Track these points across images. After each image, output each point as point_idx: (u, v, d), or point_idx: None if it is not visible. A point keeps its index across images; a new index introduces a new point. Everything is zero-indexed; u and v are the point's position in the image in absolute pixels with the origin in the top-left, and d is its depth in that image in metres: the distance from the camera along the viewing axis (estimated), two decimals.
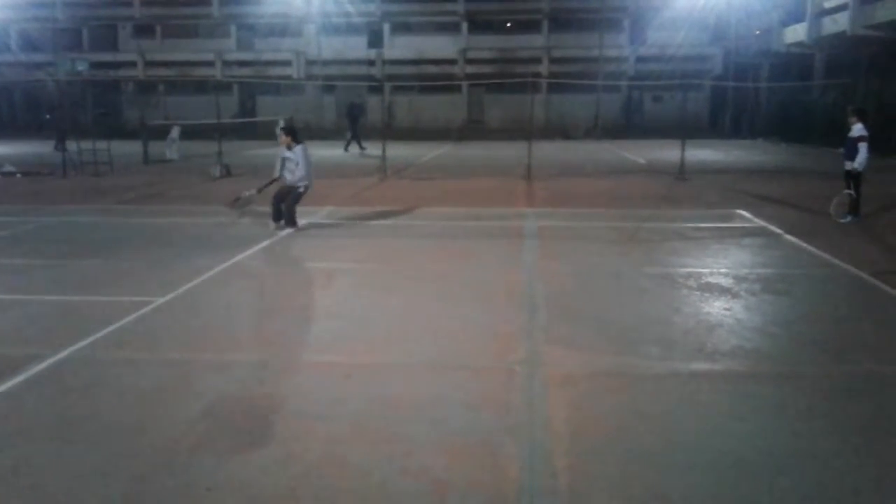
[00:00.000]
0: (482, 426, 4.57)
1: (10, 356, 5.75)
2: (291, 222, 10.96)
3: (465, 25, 45.06)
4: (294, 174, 10.93)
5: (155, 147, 23.70)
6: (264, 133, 33.98)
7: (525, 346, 6.03)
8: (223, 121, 22.72)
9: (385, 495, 3.78)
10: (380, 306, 7.13)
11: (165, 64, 45.08)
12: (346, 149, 26.84)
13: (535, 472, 4.00)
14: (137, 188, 16.54)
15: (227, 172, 18.74)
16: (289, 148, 10.97)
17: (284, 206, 10.91)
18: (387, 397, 5.01)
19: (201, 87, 40.34)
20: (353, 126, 27.64)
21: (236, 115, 41.08)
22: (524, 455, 4.20)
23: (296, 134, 11.21)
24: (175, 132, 24.71)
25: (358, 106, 29.13)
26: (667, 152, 23.97)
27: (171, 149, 24.21)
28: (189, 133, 25.98)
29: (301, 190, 11.00)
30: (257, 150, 28.10)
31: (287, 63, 44.86)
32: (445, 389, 5.14)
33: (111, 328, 6.42)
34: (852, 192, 11.55)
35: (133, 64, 45.45)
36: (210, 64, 44.26)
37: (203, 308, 7.12)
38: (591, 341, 6.13)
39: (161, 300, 7.28)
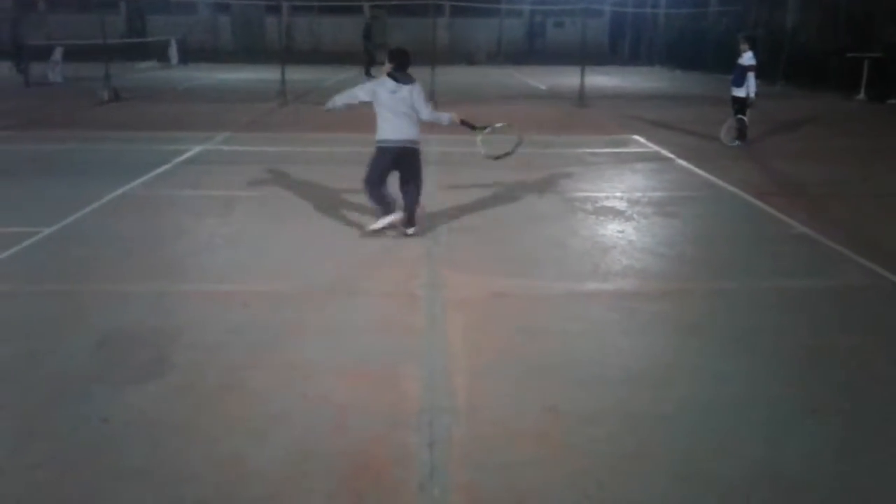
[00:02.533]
0: (382, 350, 4.64)
1: None
2: (411, 215, 7.02)
3: None
4: (405, 123, 6.75)
5: (38, 69, 22.22)
6: (156, 54, 32.31)
7: (425, 270, 6.11)
8: (110, 41, 21.42)
9: (285, 421, 3.81)
10: (277, 234, 7.04)
11: None
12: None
13: (434, 392, 4.11)
14: (19, 113, 15.54)
15: (116, 96, 17.80)
16: (394, 79, 6.71)
17: (403, 186, 6.96)
18: (285, 325, 5.00)
19: (86, 4, 37.76)
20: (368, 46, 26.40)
21: (124, 36, 38.78)
22: (424, 376, 4.30)
23: (405, 61, 6.85)
24: (58, 53, 23.14)
25: (366, 26, 27.51)
26: (568, 78, 24.14)
27: (55, 71, 22.73)
28: (74, 55, 24.41)
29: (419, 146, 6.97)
30: (147, 73, 26.80)
31: None
32: (346, 315, 5.17)
33: None
34: (743, 117, 11.99)
35: None
36: None
37: (94, 238, 6.86)
38: (490, 265, 6.25)
39: (48, 230, 6.96)
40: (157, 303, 5.35)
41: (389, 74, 6.75)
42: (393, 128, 6.73)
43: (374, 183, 6.82)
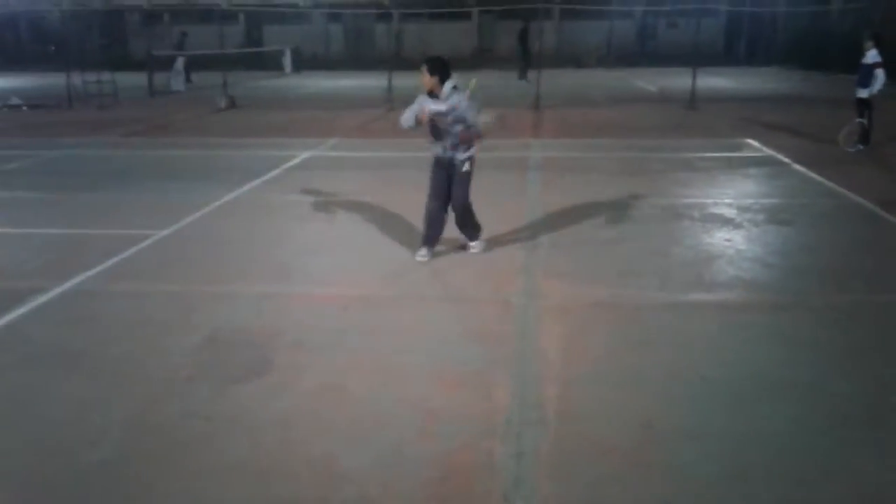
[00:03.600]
0: (477, 357, 4.62)
1: (13, 289, 5.83)
2: (473, 227, 6.72)
3: None
4: (449, 138, 6.36)
5: (162, 79, 23.49)
6: (271, 63, 33.57)
7: (523, 278, 6.06)
8: (228, 51, 22.41)
9: (378, 424, 3.85)
10: (379, 239, 7.14)
11: None
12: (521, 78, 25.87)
13: (524, 402, 4.06)
14: (143, 120, 16.45)
15: (233, 103, 18.59)
16: (431, 95, 6.31)
17: (454, 204, 6.53)
18: (384, 329, 5.06)
19: (207, 16, 39.62)
20: (523, 50, 26.53)
21: (242, 45, 40.42)
22: (515, 385, 4.26)
23: (447, 71, 6.39)
24: (180, 63, 24.40)
25: (523, 29, 27.14)
26: (679, 80, 23.49)
27: (178, 80, 23.96)
28: (196, 64, 25.66)
29: (468, 167, 6.46)
30: (261, 81, 27.83)
31: None
32: (443, 321, 5.20)
33: (113, 261, 6.49)
34: (864, 120, 11.34)
35: None
36: None
37: (204, 240, 7.17)
38: (589, 273, 6.14)
39: (164, 233, 7.32)
40: (260, 304, 5.53)
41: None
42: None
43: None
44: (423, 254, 6.50)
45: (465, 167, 6.41)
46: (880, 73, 11.08)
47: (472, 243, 6.71)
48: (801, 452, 3.56)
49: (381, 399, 4.11)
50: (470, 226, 6.66)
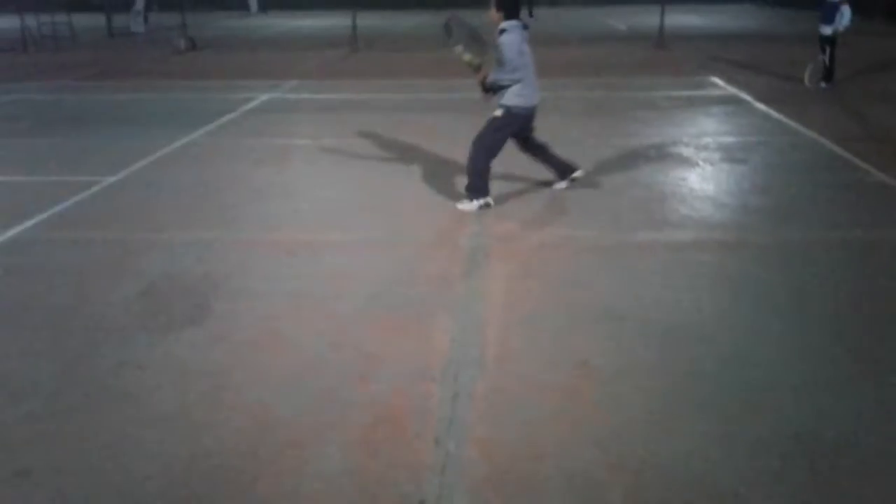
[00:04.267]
0: (419, 300, 4.59)
1: None
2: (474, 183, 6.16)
3: None
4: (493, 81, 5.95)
5: (121, 20, 22.82)
6: (236, 3, 32.70)
7: (475, 219, 6.00)
8: None
9: (314, 370, 3.83)
10: (332, 184, 7.04)
11: None
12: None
13: (464, 344, 4.05)
14: (99, 63, 16.00)
15: (193, 45, 18.12)
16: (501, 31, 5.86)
17: (473, 148, 6.10)
18: (328, 274, 5.01)
19: None
20: None
21: None
22: (456, 328, 4.24)
23: (515, 7, 5.93)
24: (140, 3, 23.68)
25: None
26: (650, 18, 23.18)
27: (137, 21, 23.29)
28: (158, 5, 24.94)
29: (501, 113, 5.99)
30: (225, 22, 27.14)
31: None
32: (388, 265, 5.15)
33: (57, 209, 6.35)
34: (825, 57, 11.26)
35: None
36: None
37: (153, 187, 7.02)
38: (540, 214, 6.11)
39: (112, 179, 7.16)
40: (205, 251, 5.44)
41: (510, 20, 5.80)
42: (535, 87, 5.95)
43: (488, 157, 6.04)
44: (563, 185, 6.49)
45: (497, 113, 6.02)
46: (846, 10, 10.96)
47: (471, 201, 6.15)
48: (729, 389, 3.59)
49: (318, 345, 4.07)
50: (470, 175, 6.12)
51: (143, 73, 14.62)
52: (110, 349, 4.07)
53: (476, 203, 6.12)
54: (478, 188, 6.11)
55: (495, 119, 6.00)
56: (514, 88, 5.85)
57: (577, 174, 6.55)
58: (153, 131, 9.13)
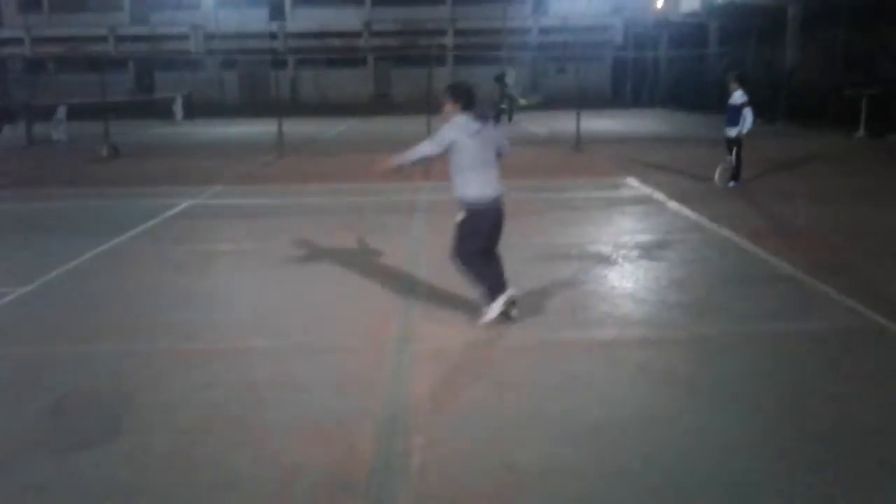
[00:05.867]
0: (344, 407, 4.48)
1: None
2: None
3: None
4: (494, 173, 5.75)
5: (43, 129, 22.55)
6: (162, 111, 32.77)
7: (398, 323, 5.97)
8: (112, 99, 21.76)
9: (231, 488, 3.65)
10: (255, 288, 6.95)
11: (54, 39, 42.69)
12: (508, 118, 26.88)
13: (389, 452, 3.94)
14: (15, 172, 15.67)
15: (116, 152, 17.97)
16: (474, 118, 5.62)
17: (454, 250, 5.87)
18: (249, 383, 4.85)
19: (95, 64, 38.47)
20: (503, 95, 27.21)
21: (134, 93, 39.47)
22: (382, 435, 4.13)
23: (471, 100, 5.64)
24: (62, 112, 23.52)
25: (500, 76, 27.87)
26: (569, 123, 24.21)
27: (59, 129, 23.05)
28: (81, 113, 24.73)
29: (463, 216, 5.80)
30: (151, 129, 27.11)
31: (184, 37, 43.18)
32: (313, 372, 5.03)
33: None
34: (732, 158, 11.90)
35: (19, 41, 42.94)
36: (103, 39, 42.27)
37: (68, 297, 6.78)
38: (467, 314, 6.09)
39: (23, 289, 6.90)
40: (119, 363, 5.22)
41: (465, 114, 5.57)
42: (486, 180, 5.62)
43: (477, 259, 5.70)
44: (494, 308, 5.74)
45: (461, 216, 5.78)
46: (748, 113, 11.67)
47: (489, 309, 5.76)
48: (658, 490, 3.57)
49: (236, 459, 3.90)
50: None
51: (62, 182, 14.35)
52: (10, 471, 3.81)
53: (497, 304, 5.71)
54: (489, 289, 5.74)
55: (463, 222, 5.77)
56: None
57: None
58: (71, 240, 8.90)
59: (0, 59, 42.49)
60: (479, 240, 5.68)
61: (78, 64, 41.68)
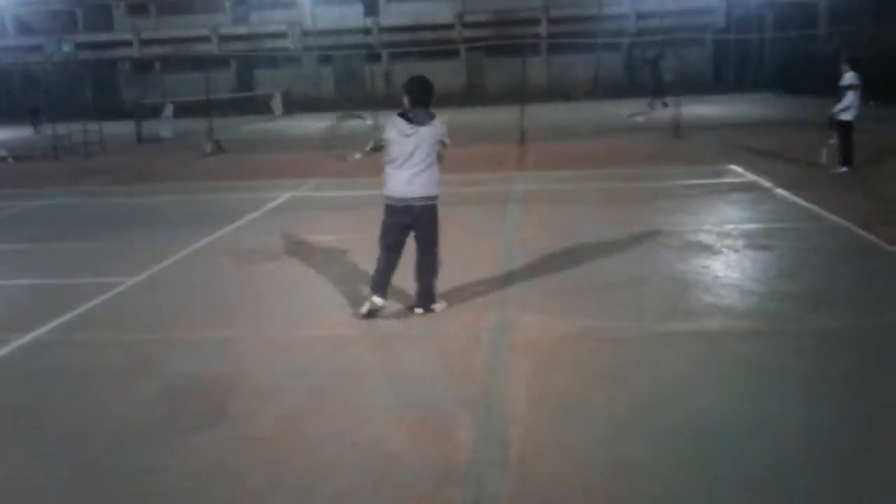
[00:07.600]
0: (440, 397, 4.47)
1: None
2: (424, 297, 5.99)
3: None
4: (415, 174, 5.70)
5: (151, 126, 23.58)
6: (262, 107, 33.75)
7: (496, 312, 5.91)
8: (215, 96, 22.53)
9: (332, 473, 3.69)
10: (354, 277, 7.02)
11: (161, 41, 44.60)
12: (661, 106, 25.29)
13: (488, 443, 3.91)
14: (127, 168, 16.44)
15: (219, 148, 18.60)
16: (406, 118, 5.65)
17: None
18: (347, 371, 4.92)
19: (199, 63, 39.96)
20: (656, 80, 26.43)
21: (235, 90, 40.76)
22: (480, 426, 4.10)
23: (424, 95, 5.75)
24: (169, 110, 24.52)
25: (654, 58, 26.90)
26: (668, 109, 23.59)
27: (166, 127, 24.03)
28: (186, 110, 25.74)
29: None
30: (251, 125, 27.94)
31: (283, 35, 44.30)
32: (410, 360, 5.06)
33: (79, 310, 6.36)
34: (835, 140, 11.31)
35: (129, 43, 45.06)
36: (206, 39, 43.84)
37: (174, 287, 7.04)
38: (565, 305, 6.00)
39: (133, 280, 7.20)
40: (223, 350, 5.38)
41: (402, 113, 5.65)
42: (402, 179, 5.64)
43: (382, 253, 5.90)
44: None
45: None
46: (850, 95, 11.08)
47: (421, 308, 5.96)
48: (769, 487, 3.40)
49: (338, 444, 3.95)
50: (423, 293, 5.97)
51: (168, 177, 14.96)
52: (126, 453, 3.97)
53: (375, 299, 5.85)
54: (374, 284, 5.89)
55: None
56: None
57: (435, 307, 5.98)
58: (176, 232, 9.25)
59: (111, 61, 44.72)
60: (388, 235, 5.83)
61: (183, 64, 43.42)
